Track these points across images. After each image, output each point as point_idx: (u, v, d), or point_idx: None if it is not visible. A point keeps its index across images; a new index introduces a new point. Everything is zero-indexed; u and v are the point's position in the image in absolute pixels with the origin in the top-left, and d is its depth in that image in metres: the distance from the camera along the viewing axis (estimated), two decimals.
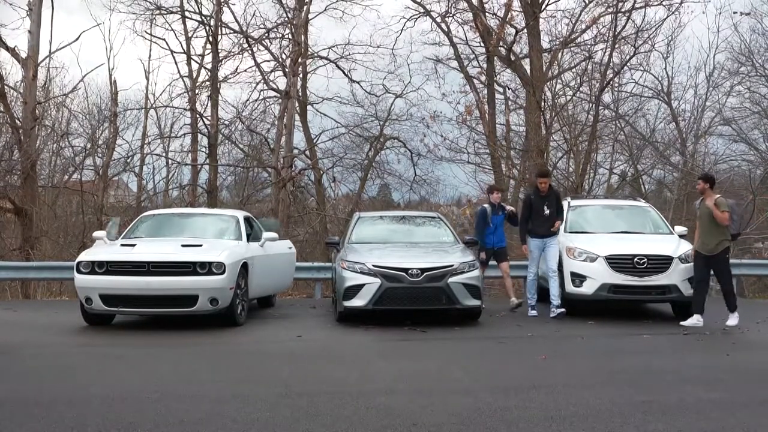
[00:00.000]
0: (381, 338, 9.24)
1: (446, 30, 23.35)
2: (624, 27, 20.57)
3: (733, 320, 10.43)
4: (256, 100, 24.15)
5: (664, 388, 6.45)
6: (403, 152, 24.74)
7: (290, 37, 23.15)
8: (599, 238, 11.42)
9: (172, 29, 24.49)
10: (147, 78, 29.60)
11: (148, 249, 10.12)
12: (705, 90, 22.97)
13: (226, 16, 23.36)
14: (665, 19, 21.02)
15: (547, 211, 11.35)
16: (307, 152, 24.49)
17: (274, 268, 11.35)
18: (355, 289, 10.07)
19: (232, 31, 23.19)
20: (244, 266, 10.32)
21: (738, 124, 23.24)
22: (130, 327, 10.32)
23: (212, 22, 23.11)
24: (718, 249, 10.24)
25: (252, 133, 24.77)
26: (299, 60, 22.94)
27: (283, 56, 23.35)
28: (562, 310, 11.03)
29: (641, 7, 20.55)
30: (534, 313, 11.25)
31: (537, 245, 11.44)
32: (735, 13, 21.94)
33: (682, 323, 10.34)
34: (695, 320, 10.33)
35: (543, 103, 20.53)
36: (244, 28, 22.64)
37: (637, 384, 6.64)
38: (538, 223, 11.41)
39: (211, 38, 23.25)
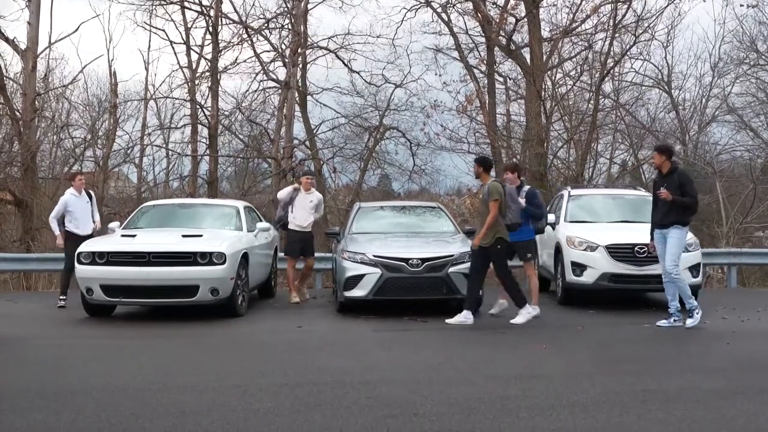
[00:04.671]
0: (381, 328, 9.24)
1: (446, 20, 23.28)
2: (624, 16, 20.51)
3: (519, 318, 9.54)
4: (255, 91, 24.07)
5: (665, 377, 6.46)
6: (403, 142, 24.69)
7: (290, 27, 23.05)
8: (599, 228, 11.41)
9: (172, 20, 24.35)
10: (147, 69, 29.55)
11: (148, 239, 10.13)
12: (710, 80, 22.97)
13: (226, 7, 23.24)
14: (665, 7, 20.95)
15: (669, 195, 9.09)
16: (307, 143, 24.44)
17: (266, 259, 11.52)
18: (355, 280, 10.07)
19: (231, 22, 23.09)
20: (245, 256, 10.32)
21: (741, 112, 23.23)
22: (130, 317, 10.33)
23: (212, 13, 23.02)
24: (487, 240, 9.44)
25: (252, 124, 24.71)
26: (299, 50, 22.86)
27: (283, 46, 23.26)
28: (678, 320, 9.16)
29: None
30: (667, 322, 9.25)
31: (658, 238, 9.33)
32: (742, 5, 21.82)
33: (447, 320, 9.47)
34: (463, 317, 9.47)
35: (543, 93, 20.47)
36: (244, 19, 22.55)
37: (638, 373, 6.65)
38: (655, 210, 9.41)
39: (210, 29, 23.17)
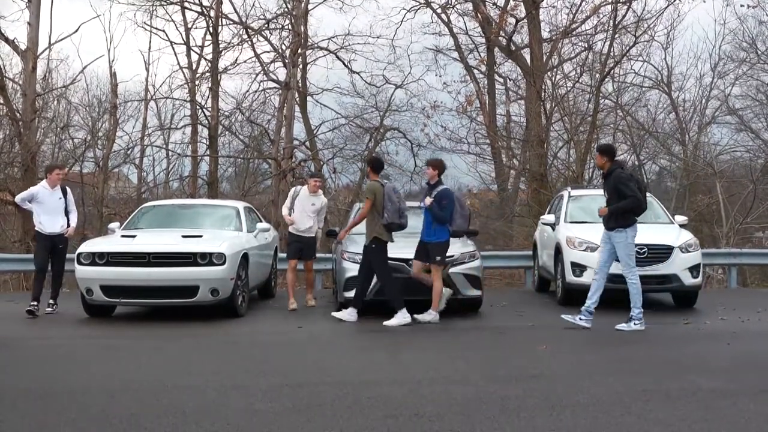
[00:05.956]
0: (382, 329, 9.23)
1: (446, 21, 23.31)
2: (624, 16, 20.53)
3: (393, 320, 9.41)
4: (256, 91, 24.12)
5: (666, 377, 6.46)
6: (404, 143, 24.70)
7: (290, 27, 23.08)
8: (600, 228, 11.35)
9: (172, 20, 24.41)
10: (147, 69, 29.49)
11: (148, 240, 10.13)
12: (710, 80, 22.98)
13: (226, 7, 23.29)
14: (665, 8, 20.97)
15: (605, 197, 9.32)
16: (307, 143, 24.46)
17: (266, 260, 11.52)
18: (355, 280, 10.06)
19: (231, 22, 23.13)
20: (245, 257, 10.32)
21: (742, 113, 23.25)
22: (130, 318, 10.33)
23: (212, 13, 23.06)
24: (368, 239, 9.63)
25: (252, 125, 24.74)
26: (299, 51, 22.89)
27: (283, 47, 23.29)
28: (631, 326, 9.01)
29: None
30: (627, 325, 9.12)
31: (603, 237, 9.39)
32: (742, 6, 21.86)
33: (333, 313, 9.82)
34: (347, 314, 9.66)
35: (543, 93, 20.48)
36: (244, 19, 22.59)
37: (639, 373, 6.65)
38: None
39: (211, 29, 23.21)
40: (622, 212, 9.07)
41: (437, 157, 11.19)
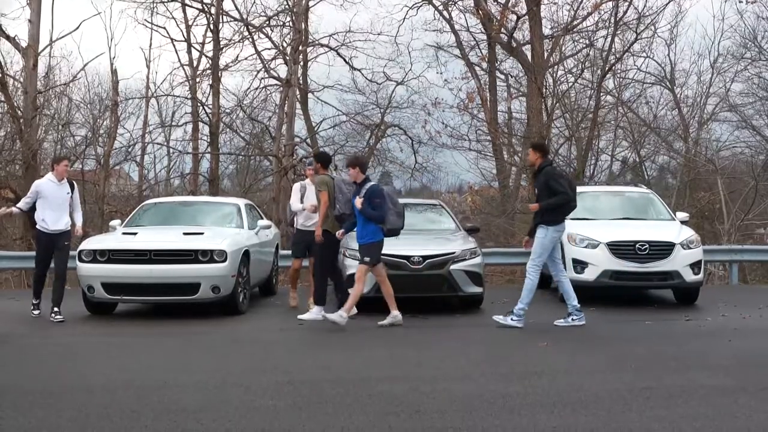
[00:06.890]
0: (382, 326, 9.23)
1: (448, 17, 23.28)
2: (626, 12, 20.50)
3: (307, 314, 9.70)
4: (257, 89, 24.08)
5: (666, 374, 6.46)
6: (405, 140, 24.68)
7: (291, 24, 23.06)
8: (601, 225, 11.39)
9: (173, 17, 24.39)
10: (148, 67, 29.29)
11: (149, 237, 10.13)
12: (710, 76, 22.96)
13: (227, 4, 23.28)
14: (667, 4, 20.94)
15: (535, 194, 9.33)
16: (308, 140, 24.46)
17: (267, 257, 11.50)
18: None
19: (232, 19, 23.11)
20: (246, 254, 10.32)
21: (742, 109, 23.24)
22: (132, 315, 10.33)
23: (213, 10, 23.03)
24: (319, 231, 9.71)
25: (253, 122, 24.72)
26: (300, 48, 22.86)
27: (284, 44, 23.28)
28: (507, 320, 9.05)
29: None
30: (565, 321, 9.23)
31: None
32: (740, 2, 21.84)
33: (300, 317, 9.71)
34: (314, 313, 9.62)
35: (544, 90, 20.46)
36: (245, 16, 22.58)
37: (640, 370, 6.65)
38: None
39: (211, 26, 23.17)
40: (552, 208, 9.03)
41: (355, 155, 11.23)
